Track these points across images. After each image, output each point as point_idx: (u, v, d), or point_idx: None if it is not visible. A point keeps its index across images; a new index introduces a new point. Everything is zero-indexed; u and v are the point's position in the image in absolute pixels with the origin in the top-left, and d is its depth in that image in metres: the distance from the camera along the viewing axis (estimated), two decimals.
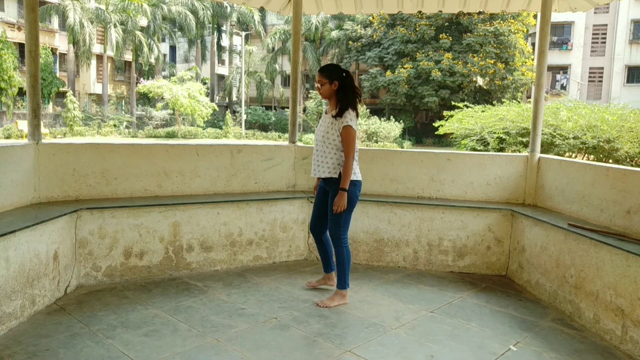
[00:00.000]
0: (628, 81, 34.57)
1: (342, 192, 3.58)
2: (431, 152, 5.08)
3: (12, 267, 3.08)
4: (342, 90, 3.66)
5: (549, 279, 3.99)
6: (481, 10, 5.62)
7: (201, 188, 4.66)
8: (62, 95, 32.86)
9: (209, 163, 4.69)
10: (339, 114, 3.61)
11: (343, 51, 36.49)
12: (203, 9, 37.57)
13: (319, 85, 3.70)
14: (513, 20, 30.49)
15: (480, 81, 30.46)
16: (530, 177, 4.76)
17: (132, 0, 33.32)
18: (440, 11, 5.74)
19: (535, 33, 31.19)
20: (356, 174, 3.69)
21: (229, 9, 38.32)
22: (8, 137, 25.76)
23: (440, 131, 13.50)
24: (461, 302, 3.92)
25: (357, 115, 3.71)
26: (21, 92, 28.56)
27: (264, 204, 4.67)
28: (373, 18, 33.32)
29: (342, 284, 3.77)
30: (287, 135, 12.01)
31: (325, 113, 3.79)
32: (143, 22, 37.03)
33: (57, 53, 35.45)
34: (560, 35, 35.23)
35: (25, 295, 3.24)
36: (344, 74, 3.67)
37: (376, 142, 27.79)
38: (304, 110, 35.26)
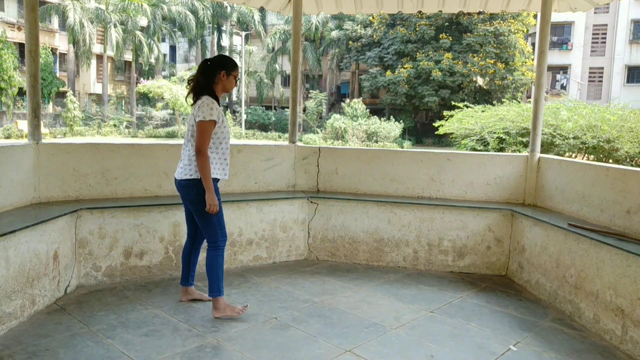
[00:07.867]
0: (628, 81, 34.55)
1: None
2: (431, 152, 5.08)
3: (12, 267, 3.08)
4: None
5: (549, 279, 3.99)
6: (481, 10, 5.62)
7: None
8: (62, 95, 32.84)
9: None
10: None
11: (343, 51, 36.48)
12: (203, 9, 37.55)
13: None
14: (513, 20, 30.46)
15: (480, 81, 30.44)
16: (530, 177, 4.76)
17: (132, 0, 33.31)
18: (440, 11, 5.74)
19: (535, 33, 31.17)
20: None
21: (229, 9, 38.30)
22: (8, 137, 25.74)
23: (440, 131, 13.48)
24: (461, 302, 3.92)
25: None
26: (21, 92, 28.51)
27: (264, 204, 4.67)
28: (373, 18, 33.28)
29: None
30: (287, 135, 12.00)
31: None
32: (143, 22, 37.02)
33: (57, 53, 35.44)
34: (560, 35, 35.23)
35: (25, 295, 3.24)
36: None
37: (376, 142, 27.77)
38: (304, 110, 35.24)
